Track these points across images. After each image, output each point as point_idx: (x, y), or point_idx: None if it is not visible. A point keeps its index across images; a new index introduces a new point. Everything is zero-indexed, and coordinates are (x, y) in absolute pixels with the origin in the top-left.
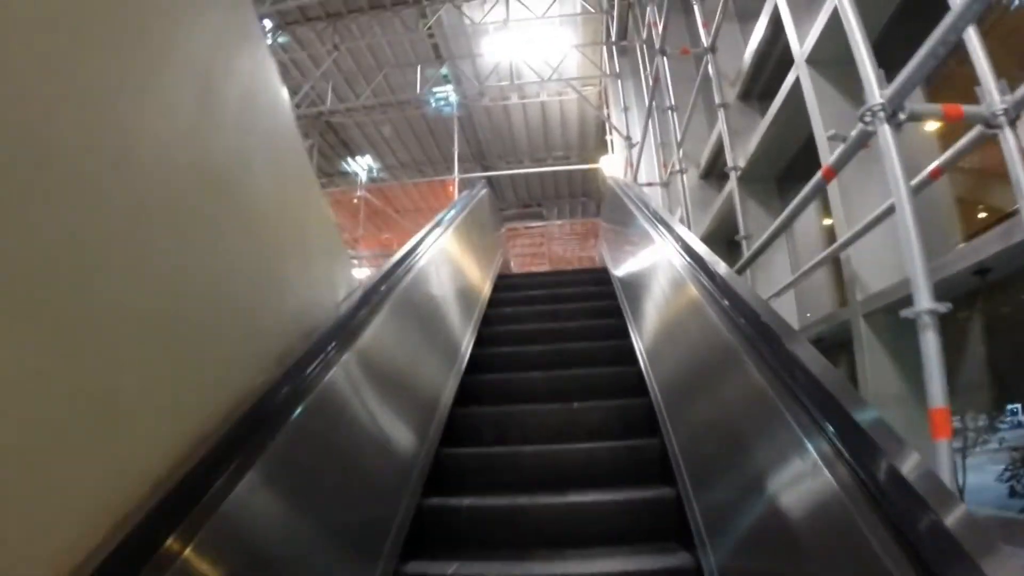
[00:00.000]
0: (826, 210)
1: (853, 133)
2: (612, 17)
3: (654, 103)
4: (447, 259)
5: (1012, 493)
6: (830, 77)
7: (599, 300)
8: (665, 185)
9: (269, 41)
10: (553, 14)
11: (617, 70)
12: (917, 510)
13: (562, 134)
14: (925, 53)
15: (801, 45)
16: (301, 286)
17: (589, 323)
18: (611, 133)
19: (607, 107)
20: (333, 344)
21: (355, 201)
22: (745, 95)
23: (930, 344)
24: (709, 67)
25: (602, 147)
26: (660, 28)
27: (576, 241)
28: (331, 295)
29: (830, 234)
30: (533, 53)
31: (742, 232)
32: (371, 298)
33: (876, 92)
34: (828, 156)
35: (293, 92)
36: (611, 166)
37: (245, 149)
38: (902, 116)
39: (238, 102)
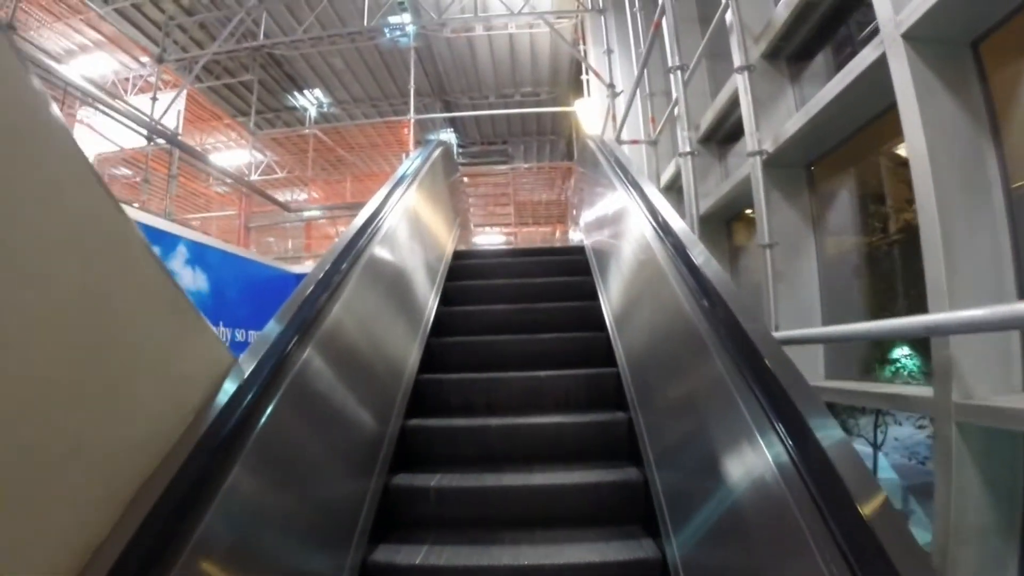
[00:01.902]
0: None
1: None
2: None
3: (650, 51)
4: (387, 254)
5: None
6: (938, 64)
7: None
8: (653, 143)
9: None
10: None
11: (600, 4)
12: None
13: (532, 69)
14: None
15: (898, 13)
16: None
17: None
18: (588, 74)
19: (584, 43)
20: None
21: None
22: (773, 54)
23: None
24: (728, 14)
25: (576, 85)
26: None
27: (543, 185)
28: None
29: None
30: None
31: (766, 238)
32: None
33: None
34: (925, 169)
35: (226, 21)
36: (587, 111)
37: None
38: None
39: None
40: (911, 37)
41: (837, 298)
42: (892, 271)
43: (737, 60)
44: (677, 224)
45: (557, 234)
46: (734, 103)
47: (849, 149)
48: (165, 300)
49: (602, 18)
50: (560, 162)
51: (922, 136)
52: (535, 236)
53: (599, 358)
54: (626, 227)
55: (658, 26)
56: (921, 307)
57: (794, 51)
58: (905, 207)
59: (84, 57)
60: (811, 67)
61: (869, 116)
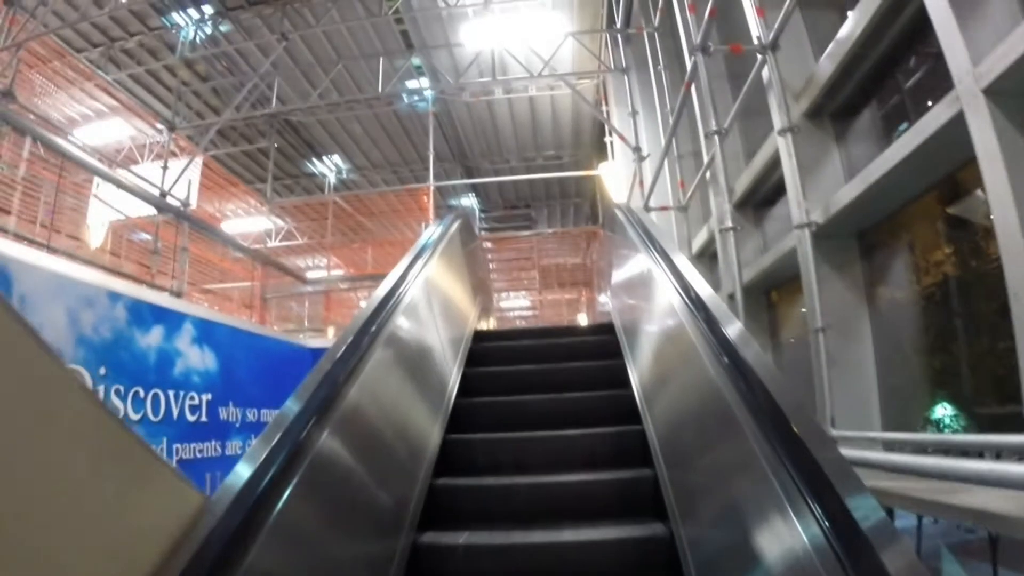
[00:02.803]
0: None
1: None
2: None
3: (680, 114)
4: (393, 358)
5: None
6: None
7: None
8: (683, 209)
9: (208, 30)
10: None
11: (623, 63)
12: None
13: (554, 132)
14: None
15: (977, 66)
16: None
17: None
18: (611, 135)
19: (607, 104)
20: None
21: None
22: (815, 112)
23: None
24: (764, 70)
25: (600, 147)
26: (699, 15)
27: (568, 249)
28: None
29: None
30: (520, 42)
31: (819, 320)
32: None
33: None
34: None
35: (241, 87)
36: (611, 175)
37: None
38: None
39: None
40: (994, 92)
41: (896, 383)
42: (967, 352)
43: (778, 122)
44: (723, 316)
45: (583, 299)
46: (772, 165)
47: (908, 214)
48: (107, 448)
49: (625, 78)
50: (585, 226)
51: (1011, 201)
52: (560, 303)
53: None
54: (658, 308)
55: (689, 87)
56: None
57: (839, 108)
58: (978, 277)
59: (100, 123)
60: (857, 124)
61: (935, 179)
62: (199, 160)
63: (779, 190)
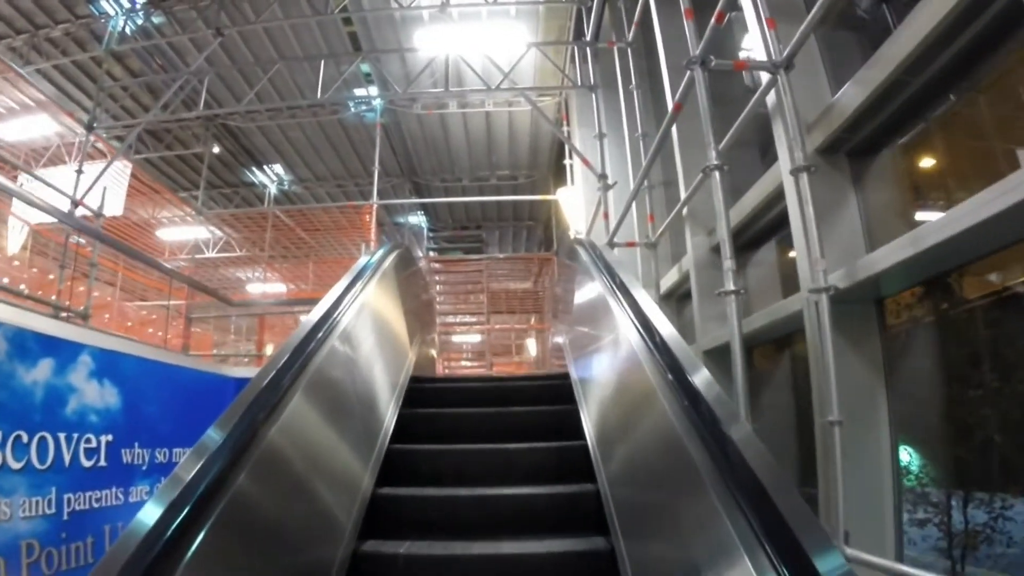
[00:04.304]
0: None
1: None
2: (586, 8)
3: (663, 141)
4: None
5: None
6: None
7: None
8: (651, 247)
9: (140, 20)
10: (507, 0)
11: (591, 79)
12: None
13: (510, 151)
14: None
15: None
16: None
17: None
18: (572, 158)
19: (568, 124)
20: None
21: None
22: (831, 149)
23: None
24: (769, 97)
25: (558, 170)
26: (699, 23)
27: (519, 274)
28: None
29: None
30: (478, 52)
31: (834, 411)
32: None
33: None
34: None
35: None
36: (570, 201)
37: None
38: None
39: None
40: None
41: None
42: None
43: (788, 158)
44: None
45: (532, 324)
46: (766, 206)
47: (950, 280)
48: None
49: (592, 96)
50: (537, 253)
51: None
52: (508, 326)
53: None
54: (625, 372)
55: (679, 108)
56: None
57: (862, 145)
58: None
59: (27, 117)
60: (876, 163)
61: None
62: (122, 164)
63: (768, 233)
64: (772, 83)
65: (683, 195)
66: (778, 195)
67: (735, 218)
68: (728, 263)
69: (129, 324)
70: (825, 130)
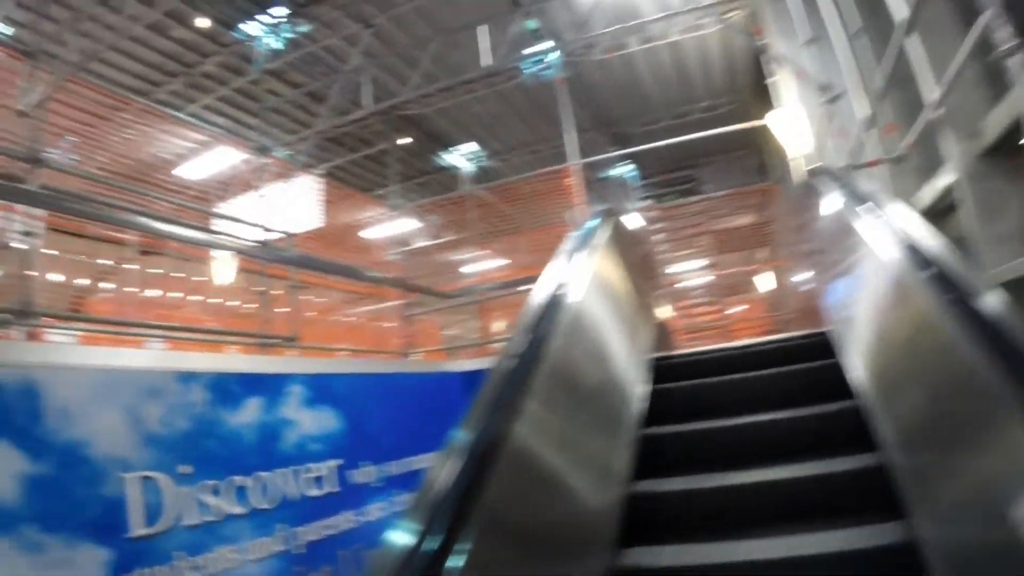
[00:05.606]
0: None
1: None
2: None
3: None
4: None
5: None
6: None
7: None
8: (897, 161)
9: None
10: None
11: None
12: None
13: (704, 80)
14: None
15: None
16: None
17: None
18: (776, 73)
19: (760, 37)
20: None
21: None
22: None
23: None
24: None
25: (759, 91)
26: None
27: (741, 210)
28: None
29: None
30: None
31: None
32: None
33: None
34: None
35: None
36: (783, 127)
37: None
38: None
39: None
40: None
41: None
42: None
43: None
44: None
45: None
46: None
47: None
48: None
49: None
50: (755, 183)
51: None
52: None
53: None
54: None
55: None
56: None
57: None
58: None
59: (206, 154)
60: None
61: None
62: (309, 178)
63: None
64: None
65: (935, 95)
66: None
67: (1005, 108)
68: None
69: (351, 329)
70: None
